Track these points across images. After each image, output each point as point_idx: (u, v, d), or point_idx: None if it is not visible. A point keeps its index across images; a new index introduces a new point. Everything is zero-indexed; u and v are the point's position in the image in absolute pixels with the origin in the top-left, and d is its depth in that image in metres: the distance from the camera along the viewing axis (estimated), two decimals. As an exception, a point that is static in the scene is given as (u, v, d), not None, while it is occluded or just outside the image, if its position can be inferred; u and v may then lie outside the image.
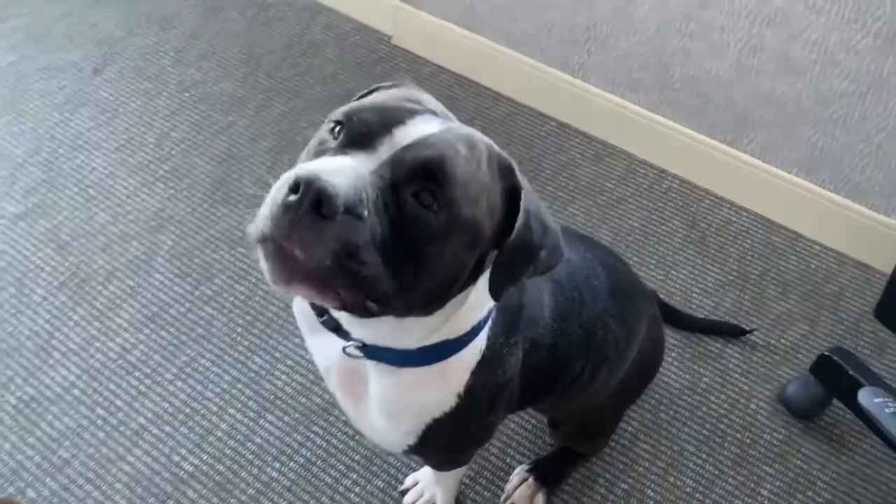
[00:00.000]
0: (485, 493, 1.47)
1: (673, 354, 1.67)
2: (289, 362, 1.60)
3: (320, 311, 0.92)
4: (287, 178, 0.67)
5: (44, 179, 1.86)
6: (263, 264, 0.69)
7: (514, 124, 2.09)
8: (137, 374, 1.57)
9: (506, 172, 0.79)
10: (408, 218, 0.70)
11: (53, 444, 1.46)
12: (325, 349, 0.97)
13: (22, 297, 1.65)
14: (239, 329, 1.64)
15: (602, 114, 2.03)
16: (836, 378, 1.50)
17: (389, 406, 0.94)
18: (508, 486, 1.46)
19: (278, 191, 0.67)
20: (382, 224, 0.68)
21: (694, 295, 1.78)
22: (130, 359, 1.59)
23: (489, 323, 0.92)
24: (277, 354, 1.61)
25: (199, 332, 1.64)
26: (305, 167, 0.66)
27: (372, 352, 0.88)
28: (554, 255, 0.83)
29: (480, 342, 0.92)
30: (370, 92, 0.86)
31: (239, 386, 1.56)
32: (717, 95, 1.84)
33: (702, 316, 1.73)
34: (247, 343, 1.62)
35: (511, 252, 0.77)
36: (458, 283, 0.79)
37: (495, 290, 0.80)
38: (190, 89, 2.08)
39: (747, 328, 1.69)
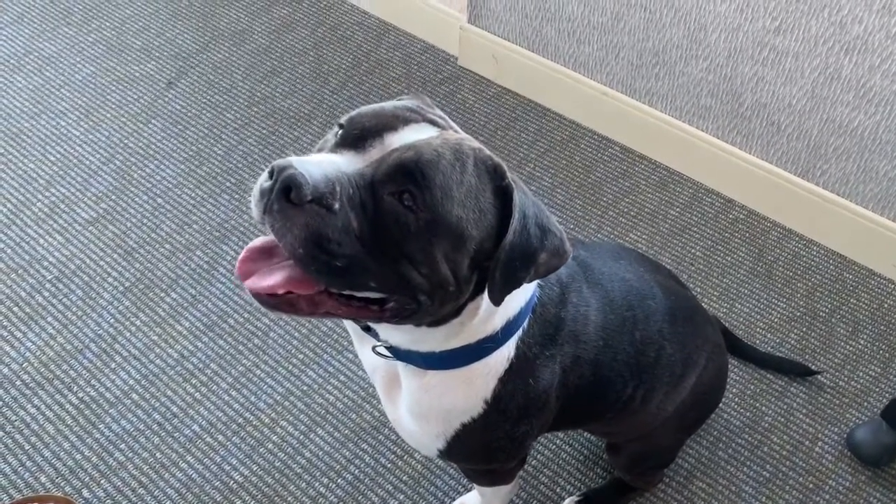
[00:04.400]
0: (533, 522, 1.44)
1: (734, 390, 1.61)
2: (341, 377, 1.61)
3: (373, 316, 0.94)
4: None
5: (115, 187, 1.92)
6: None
7: (577, 147, 2.07)
8: (194, 381, 1.59)
9: (496, 176, 0.80)
10: (386, 215, 0.73)
11: (110, 447, 1.50)
12: (371, 353, 0.99)
13: (88, 300, 1.70)
14: (294, 342, 1.66)
15: (668, 140, 1.99)
16: (909, 425, 1.42)
17: (417, 407, 0.97)
18: (557, 517, 1.43)
19: (262, 176, 0.72)
20: (359, 219, 0.72)
21: (758, 330, 1.72)
22: (188, 366, 1.61)
23: (519, 332, 0.93)
24: (331, 369, 1.62)
25: (256, 342, 1.66)
26: (286, 158, 0.71)
27: (399, 353, 0.92)
28: (555, 258, 0.84)
29: (508, 350, 0.93)
30: None
31: (291, 399, 1.57)
32: (789, 124, 1.79)
33: (765, 351, 1.67)
34: (301, 356, 1.64)
35: (508, 255, 0.78)
36: (466, 287, 0.80)
37: (494, 294, 0.80)
38: (259, 104, 2.13)
39: (815, 368, 1.63)
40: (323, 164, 0.72)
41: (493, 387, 0.93)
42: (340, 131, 0.78)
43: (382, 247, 0.73)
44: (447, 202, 0.74)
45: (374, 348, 0.94)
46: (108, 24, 2.31)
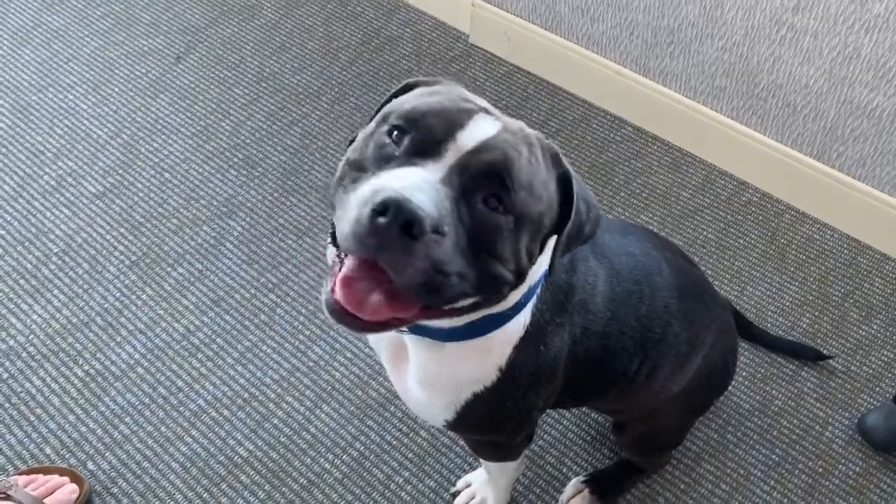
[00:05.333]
0: (538, 501, 1.43)
1: (744, 373, 1.59)
2: (348, 354, 1.60)
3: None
4: (366, 196, 0.68)
5: (122, 161, 1.90)
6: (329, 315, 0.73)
7: (589, 127, 2.04)
8: (200, 356, 1.58)
9: (556, 162, 0.82)
10: (480, 223, 0.73)
11: (115, 420, 1.49)
12: None
13: (95, 273, 1.70)
14: (301, 318, 1.65)
15: (681, 120, 1.97)
16: (922, 410, 1.40)
17: (427, 377, 0.96)
18: (562, 497, 1.42)
19: (361, 209, 0.68)
20: (458, 234, 0.71)
21: (769, 313, 1.70)
22: (194, 340, 1.61)
23: (534, 299, 0.93)
24: (337, 346, 1.61)
25: (263, 318, 1.64)
26: (389, 186, 0.68)
27: (416, 328, 0.90)
28: (595, 227, 0.87)
29: (525, 318, 0.93)
30: (407, 88, 0.87)
31: (297, 374, 1.56)
32: (805, 105, 1.76)
33: (776, 335, 1.65)
34: (308, 332, 1.63)
35: (569, 235, 0.82)
36: (528, 269, 0.81)
37: (552, 268, 0.84)
38: (267, 80, 2.11)
39: (826, 353, 1.60)
40: (424, 188, 0.69)
41: (509, 354, 0.93)
42: (400, 134, 0.75)
43: (477, 253, 0.74)
44: (531, 200, 0.76)
45: None
46: (116, -3, 2.29)
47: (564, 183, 0.82)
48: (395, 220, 0.66)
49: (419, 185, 0.69)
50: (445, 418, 0.99)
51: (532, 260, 0.80)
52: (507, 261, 0.76)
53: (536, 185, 0.76)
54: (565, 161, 0.83)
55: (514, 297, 0.88)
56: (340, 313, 0.72)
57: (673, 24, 1.84)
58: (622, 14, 1.90)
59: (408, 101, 0.78)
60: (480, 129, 0.75)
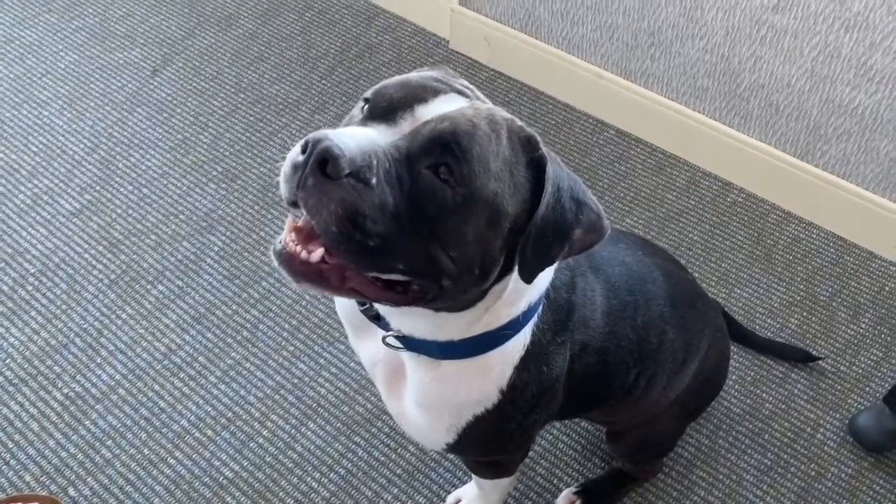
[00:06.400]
0: (530, 514, 1.41)
1: (734, 377, 1.58)
2: (332, 369, 1.57)
3: (361, 301, 0.89)
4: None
5: (99, 177, 1.87)
6: (275, 263, 0.72)
7: (571, 131, 2.03)
8: (182, 375, 1.56)
9: (529, 147, 0.77)
10: (422, 190, 0.69)
11: (96, 444, 1.46)
12: (370, 345, 0.96)
13: (73, 293, 1.66)
14: (284, 334, 1.62)
15: (664, 122, 1.95)
16: (913, 410, 1.39)
17: (427, 400, 0.93)
18: (555, 509, 1.40)
19: (293, 151, 0.68)
20: (395, 195, 0.68)
21: (758, 315, 1.69)
22: (176, 360, 1.58)
23: (534, 318, 0.90)
24: (322, 361, 1.58)
25: (245, 335, 1.62)
26: (321, 130, 0.67)
27: (411, 343, 0.87)
28: (592, 234, 0.80)
29: (524, 337, 0.90)
30: None
31: (282, 392, 1.54)
32: (788, 105, 1.75)
33: (765, 337, 1.63)
34: (291, 348, 1.60)
35: (540, 229, 0.75)
36: (494, 267, 0.77)
37: (524, 271, 0.77)
38: (246, 90, 2.08)
39: (816, 354, 1.59)
40: (357, 136, 0.68)
41: (510, 375, 0.90)
42: (366, 105, 0.75)
43: (416, 225, 0.70)
44: (484, 175, 0.71)
45: (384, 339, 0.89)
46: (90, 10, 2.26)
47: (540, 171, 0.77)
48: (310, 157, 0.65)
49: (352, 134, 0.68)
50: (446, 441, 0.96)
51: (488, 256, 0.74)
52: (449, 244, 0.71)
53: (494, 162, 0.72)
54: (543, 146, 0.78)
55: (504, 310, 0.85)
56: (285, 255, 0.70)
57: (653, 26, 1.83)
58: (602, 17, 1.89)
59: (385, 80, 0.79)
60: (442, 105, 0.74)
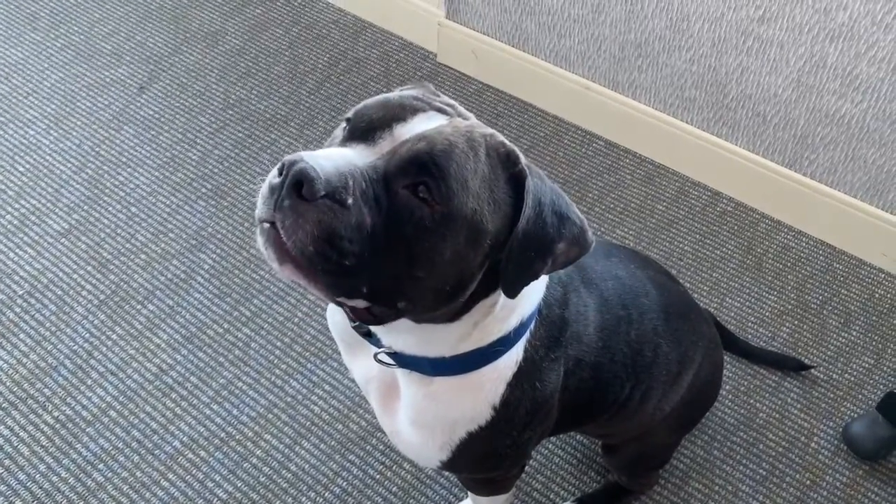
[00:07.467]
0: (527, 530, 1.41)
1: (727, 387, 1.58)
2: (326, 387, 1.56)
3: (352, 317, 0.89)
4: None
5: (87, 196, 1.86)
6: (260, 244, 0.69)
7: (560, 143, 2.03)
8: (174, 395, 1.54)
9: (509, 163, 0.77)
10: (400, 210, 0.69)
11: (88, 467, 1.45)
12: (363, 362, 0.96)
13: (62, 314, 1.65)
14: (277, 352, 1.61)
15: (653, 133, 1.96)
16: (906, 418, 1.40)
17: (420, 417, 0.92)
18: (552, 524, 1.40)
19: (271, 173, 0.68)
20: (373, 215, 0.68)
21: (749, 324, 1.69)
22: (167, 380, 1.56)
23: (527, 335, 0.90)
24: (315, 379, 1.57)
25: (237, 353, 1.61)
26: (296, 153, 0.67)
27: (403, 360, 0.87)
28: (575, 248, 0.80)
29: (517, 353, 0.90)
30: None
31: (275, 411, 1.53)
32: (775, 115, 1.76)
33: (758, 346, 1.64)
34: (284, 367, 1.59)
35: (521, 244, 0.75)
36: (469, 284, 0.77)
37: (508, 286, 0.77)
38: (234, 107, 2.07)
39: (808, 362, 1.60)
40: (333, 157, 0.68)
41: (502, 392, 0.90)
42: (347, 125, 0.75)
43: (393, 245, 0.70)
44: (462, 194, 0.71)
45: (375, 356, 0.89)
46: (76, 28, 2.25)
47: (519, 184, 0.76)
48: (285, 179, 0.65)
49: (329, 155, 0.68)
50: (440, 459, 0.96)
51: (465, 273, 0.74)
52: (424, 264, 0.71)
53: (473, 179, 0.72)
54: (523, 161, 0.77)
55: (495, 326, 0.85)
56: (270, 233, 0.68)
57: (640, 38, 1.83)
58: (589, 29, 1.90)
59: (367, 99, 0.79)
60: (421, 124, 0.73)
